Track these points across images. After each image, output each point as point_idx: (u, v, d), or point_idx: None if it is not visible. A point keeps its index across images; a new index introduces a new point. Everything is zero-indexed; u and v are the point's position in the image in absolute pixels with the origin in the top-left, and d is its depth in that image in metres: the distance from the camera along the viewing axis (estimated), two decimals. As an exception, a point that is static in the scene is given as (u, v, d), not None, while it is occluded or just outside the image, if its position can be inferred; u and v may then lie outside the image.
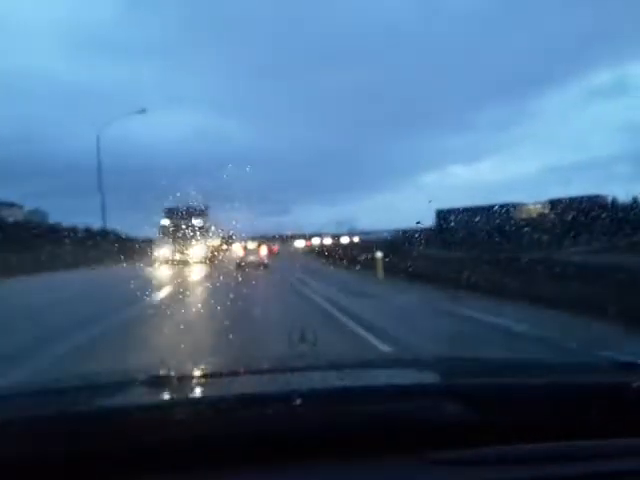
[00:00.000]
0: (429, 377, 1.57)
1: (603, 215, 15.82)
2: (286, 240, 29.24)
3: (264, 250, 28.34)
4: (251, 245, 28.60)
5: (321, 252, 33.13)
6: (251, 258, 27.33)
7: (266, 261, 27.32)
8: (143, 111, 31.22)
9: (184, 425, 1.15)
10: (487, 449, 1.13)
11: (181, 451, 1.10)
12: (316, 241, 41.37)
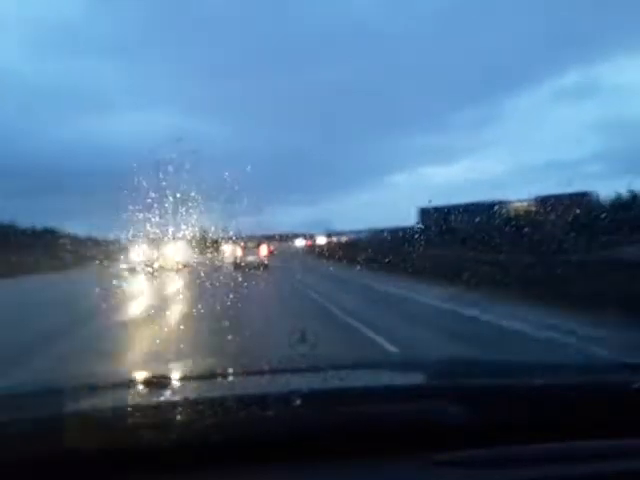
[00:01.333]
0: (430, 378, 1.57)
1: (603, 214, 15.73)
2: (262, 241, 27.76)
3: (264, 250, 26.87)
4: (229, 247, 26.18)
5: (323, 253, 32.21)
6: (250, 258, 25.85)
7: (266, 261, 25.98)
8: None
9: (184, 425, 1.15)
10: (488, 450, 1.13)
11: (181, 451, 1.11)
12: (300, 242, 40.32)
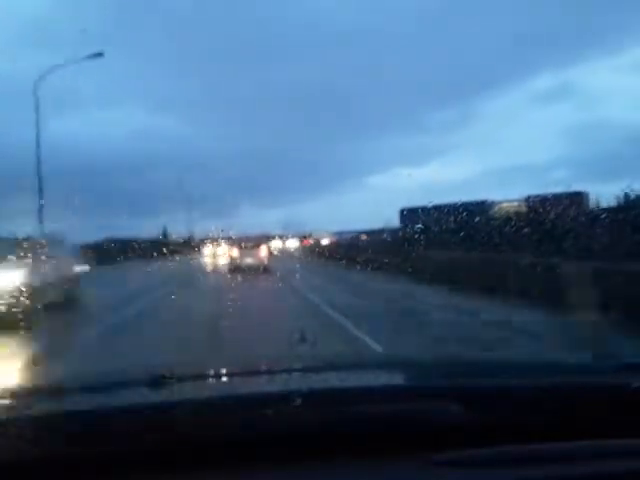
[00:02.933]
0: (430, 378, 1.57)
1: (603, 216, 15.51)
2: (261, 240, 25.34)
3: (264, 250, 24.04)
4: (221, 249, 24.51)
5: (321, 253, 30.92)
6: (248, 260, 23.09)
7: (266, 262, 23.34)
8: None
9: (184, 425, 1.15)
10: (488, 450, 1.13)
11: (181, 451, 1.11)
12: (276, 244, 38.72)
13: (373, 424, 1.18)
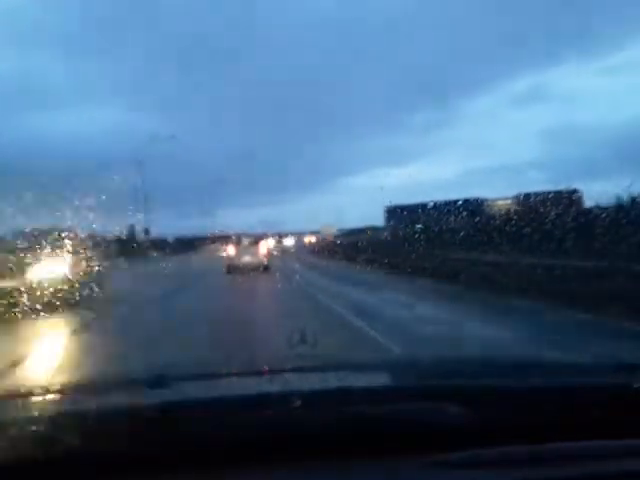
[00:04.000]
0: (430, 378, 1.57)
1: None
2: (262, 236, 23.71)
3: (264, 248, 22.07)
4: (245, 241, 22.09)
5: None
6: (247, 259, 21.24)
7: (266, 261, 21.44)
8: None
9: (184, 425, 1.15)
10: (488, 450, 1.13)
11: (181, 451, 1.11)
12: (271, 242, 38.16)
13: (373, 424, 1.18)
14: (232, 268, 20.72)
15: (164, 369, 1.84)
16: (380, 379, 1.60)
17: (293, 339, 2.68)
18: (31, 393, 1.53)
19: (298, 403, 1.18)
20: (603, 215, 14.06)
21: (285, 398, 1.24)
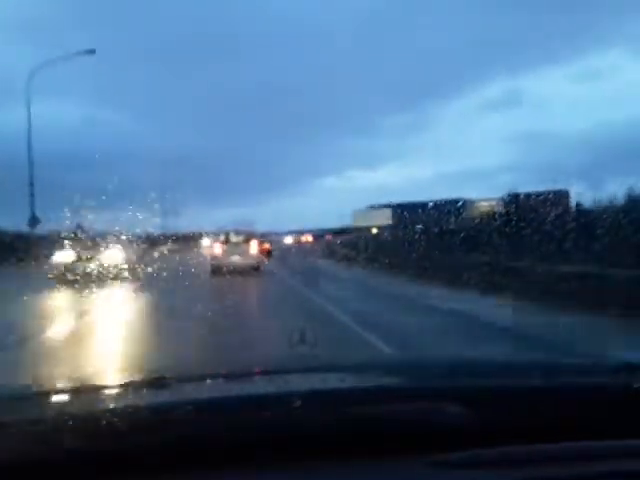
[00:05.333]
0: (430, 378, 1.56)
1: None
2: (252, 234, 20.96)
3: (254, 247, 19.51)
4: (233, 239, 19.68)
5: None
6: (234, 259, 18.74)
7: (257, 262, 19.27)
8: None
9: (184, 425, 1.15)
10: (488, 451, 1.13)
11: (181, 451, 1.11)
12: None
13: (373, 425, 1.18)
14: (218, 270, 18.33)
15: (164, 369, 1.84)
16: (380, 379, 1.60)
17: (293, 339, 2.68)
18: (31, 393, 1.53)
19: (298, 403, 1.19)
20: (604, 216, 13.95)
21: (285, 398, 1.24)
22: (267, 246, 28.22)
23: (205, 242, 29.04)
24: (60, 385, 1.73)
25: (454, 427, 1.17)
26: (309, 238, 54.32)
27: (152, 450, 1.11)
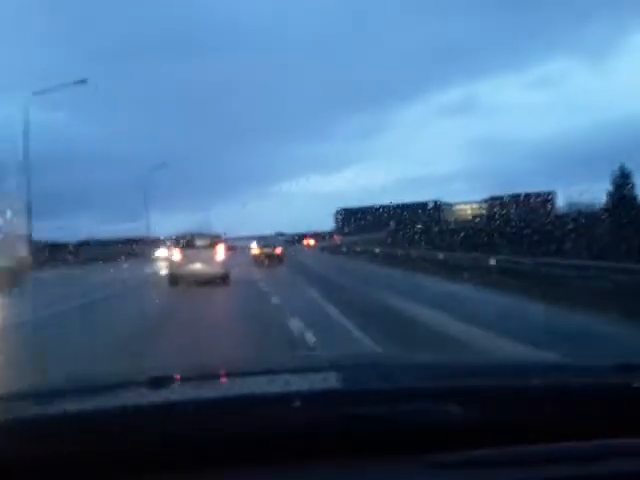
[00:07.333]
0: (430, 379, 1.56)
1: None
2: (218, 238, 18.01)
3: (221, 252, 16.78)
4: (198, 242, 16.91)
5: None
6: (197, 266, 16.12)
7: (223, 269, 16.43)
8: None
9: (184, 425, 1.15)
10: (487, 451, 1.13)
11: (181, 451, 1.11)
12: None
13: (372, 425, 1.18)
14: (178, 279, 15.84)
15: (164, 369, 1.84)
16: (379, 379, 1.60)
17: (293, 339, 2.68)
18: (31, 393, 1.53)
19: (297, 403, 1.19)
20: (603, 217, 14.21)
21: (284, 398, 1.24)
22: (279, 251, 28.02)
23: (161, 252, 25.14)
24: (60, 385, 1.73)
25: (453, 427, 1.17)
26: (311, 242, 54.70)
27: (152, 450, 1.11)
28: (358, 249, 33.71)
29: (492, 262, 15.96)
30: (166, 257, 20.32)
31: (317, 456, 1.12)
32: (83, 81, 27.59)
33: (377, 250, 30.26)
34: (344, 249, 37.31)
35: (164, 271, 18.36)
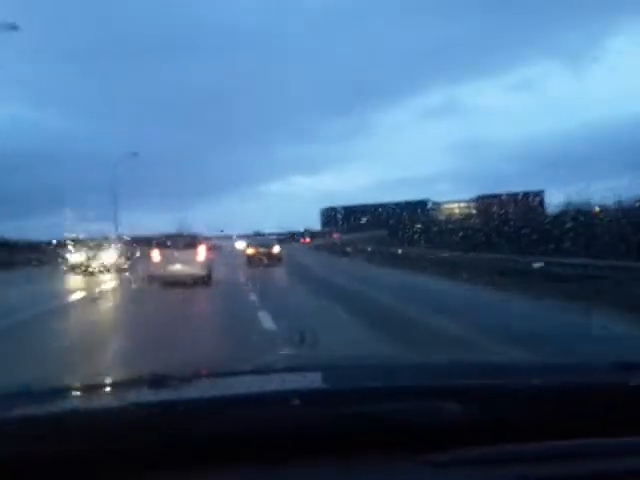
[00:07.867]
0: (429, 378, 1.56)
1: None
2: (198, 239, 17.49)
3: (202, 252, 16.17)
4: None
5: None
6: (177, 267, 15.52)
7: (205, 272, 15.76)
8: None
9: (184, 425, 1.15)
10: (486, 449, 1.13)
11: (181, 451, 1.11)
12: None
13: (372, 424, 1.18)
14: (156, 280, 15.35)
15: (163, 369, 1.84)
16: (378, 379, 1.60)
17: (293, 338, 2.68)
18: (32, 394, 1.53)
19: (296, 402, 1.19)
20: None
21: (283, 397, 1.24)
22: (276, 250, 27.26)
23: (76, 257, 21.99)
24: (59, 384, 1.73)
25: (452, 426, 1.18)
26: (307, 240, 55.60)
27: (152, 449, 1.11)
28: (350, 248, 33.50)
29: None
30: (82, 263, 20.45)
31: (315, 455, 1.12)
32: (14, 27, 22.41)
33: (377, 249, 30.28)
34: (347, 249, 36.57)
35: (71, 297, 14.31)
